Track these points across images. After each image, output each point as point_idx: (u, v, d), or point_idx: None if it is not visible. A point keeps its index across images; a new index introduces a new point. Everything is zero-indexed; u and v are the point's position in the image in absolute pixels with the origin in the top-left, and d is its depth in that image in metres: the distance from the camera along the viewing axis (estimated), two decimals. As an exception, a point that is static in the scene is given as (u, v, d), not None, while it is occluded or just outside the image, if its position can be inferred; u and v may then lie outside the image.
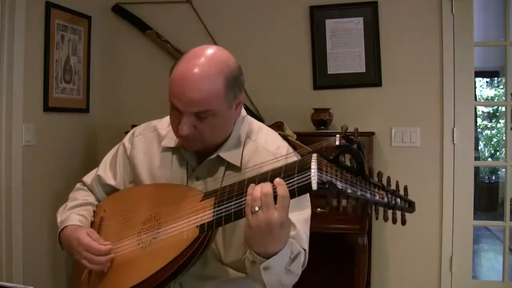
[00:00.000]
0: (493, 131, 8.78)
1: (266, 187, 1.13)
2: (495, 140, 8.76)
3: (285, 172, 1.15)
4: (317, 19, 3.21)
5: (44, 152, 2.98)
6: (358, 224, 2.74)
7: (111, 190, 1.59)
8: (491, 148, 8.87)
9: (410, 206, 1.10)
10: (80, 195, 1.60)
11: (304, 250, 1.34)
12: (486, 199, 7.56)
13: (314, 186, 1.08)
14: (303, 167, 1.13)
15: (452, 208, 3.05)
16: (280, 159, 1.29)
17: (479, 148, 8.63)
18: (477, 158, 6.49)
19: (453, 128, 3.06)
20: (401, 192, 1.11)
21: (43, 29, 2.96)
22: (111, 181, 1.58)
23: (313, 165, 1.10)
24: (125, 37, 3.51)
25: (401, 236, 3.12)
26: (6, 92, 2.75)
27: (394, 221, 1.08)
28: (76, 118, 3.29)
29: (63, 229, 1.47)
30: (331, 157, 1.12)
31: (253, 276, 1.27)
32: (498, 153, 8.56)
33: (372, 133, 3.07)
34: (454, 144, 3.06)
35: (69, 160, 3.18)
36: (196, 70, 1.28)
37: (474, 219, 3.12)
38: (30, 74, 2.86)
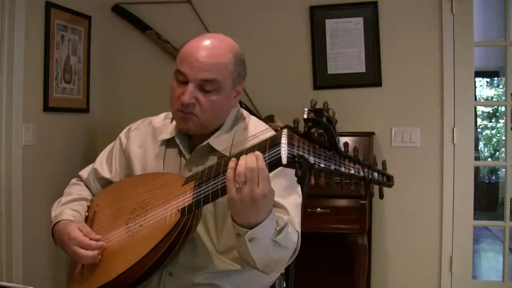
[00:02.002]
0: (493, 131, 8.77)
1: (251, 162, 1.13)
2: (495, 140, 8.75)
3: (258, 149, 1.17)
4: (317, 19, 3.21)
5: (44, 152, 2.98)
6: (358, 224, 2.74)
7: (106, 184, 1.60)
8: (491, 148, 8.86)
9: (388, 180, 1.07)
10: (75, 190, 1.61)
11: (297, 232, 1.36)
12: (486, 199, 7.54)
13: (284, 161, 1.08)
14: (273, 142, 1.14)
15: (452, 208, 3.05)
16: (258, 135, 1.29)
17: (479, 148, 8.62)
18: (477, 158, 6.48)
19: (453, 128, 3.06)
20: (379, 167, 1.08)
21: (43, 29, 2.96)
22: (106, 174, 1.60)
23: (283, 140, 1.11)
24: (125, 37, 3.51)
25: (401, 236, 3.13)
26: (6, 92, 2.75)
27: (371, 195, 1.06)
28: (76, 118, 3.29)
29: (56, 223, 1.48)
30: (303, 132, 1.11)
31: (242, 253, 1.27)
32: (498, 153, 8.55)
33: (372, 133, 3.07)
34: (454, 144, 3.06)
35: (69, 160, 3.18)
36: (209, 42, 1.42)
37: (474, 219, 3.12)
38: (30, 74, 2.86)
